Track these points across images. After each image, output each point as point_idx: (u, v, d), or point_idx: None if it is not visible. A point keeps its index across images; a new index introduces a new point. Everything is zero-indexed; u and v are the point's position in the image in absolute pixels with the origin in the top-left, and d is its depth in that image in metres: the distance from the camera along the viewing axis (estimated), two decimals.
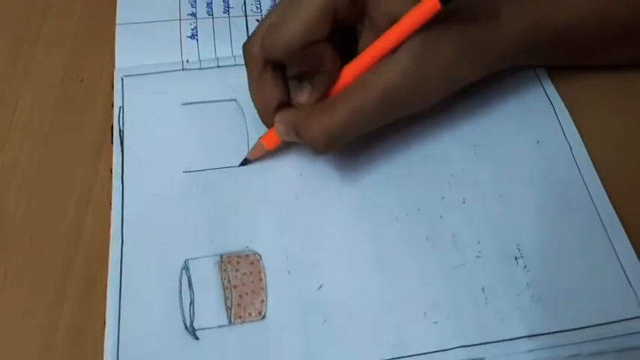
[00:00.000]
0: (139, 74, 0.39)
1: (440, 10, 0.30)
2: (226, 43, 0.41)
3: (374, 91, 0.32)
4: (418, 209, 0.35)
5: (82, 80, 0.40)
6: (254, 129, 0.37)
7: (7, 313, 0.32)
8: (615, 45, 0.38)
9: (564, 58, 0.39)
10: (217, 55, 0.41)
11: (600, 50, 0.38)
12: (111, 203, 0.35)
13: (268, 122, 0.35)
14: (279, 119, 0.34)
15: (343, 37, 0.34)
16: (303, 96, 0.34)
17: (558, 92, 0.39)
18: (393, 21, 0.31)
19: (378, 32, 0.32)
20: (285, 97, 0.34)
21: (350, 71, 0.33)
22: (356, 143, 0.36)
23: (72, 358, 0.31)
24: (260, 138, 0.36)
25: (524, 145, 0.37)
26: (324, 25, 0.31)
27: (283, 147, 0.36)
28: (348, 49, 0.34)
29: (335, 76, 0.33)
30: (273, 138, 0.35)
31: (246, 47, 0.34)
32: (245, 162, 0.36)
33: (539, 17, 0.35)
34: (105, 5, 0.43)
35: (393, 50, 0.32)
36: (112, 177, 0.35)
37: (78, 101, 0.39)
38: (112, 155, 0.36)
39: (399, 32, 0.31)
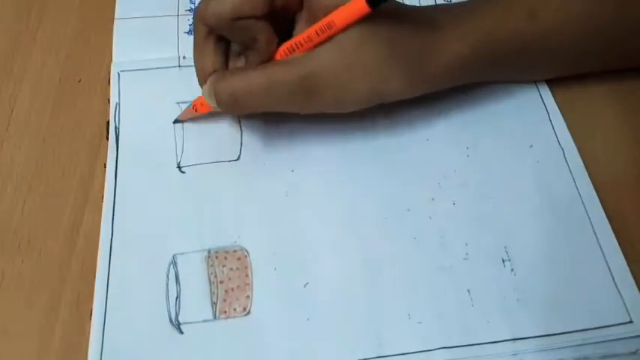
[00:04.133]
0: (135, 69, 0.40)
1: (369, 12, 0.30)
2: None
3: (295, 73, 0.32)
4: (408, 209, 0.35)
5: (79, 81, 0.40)
6: (248, 124, 0.38)
7: (4, 313, 0.32)
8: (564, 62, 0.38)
9: (513, 76, 0.39)
10: None
11: (543, 67, 0.38)
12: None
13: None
14: (208, 81, 0.34)
15: (287, 24, 0.34)
16: (236, 65, 0.34)
17: (553, 96, 0.39)
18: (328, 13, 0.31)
19: (314, 23, 0.32)
20: (221, 65, 0.34)
21: (281, 53, 0.33)
22: (349, 143, 0.37)
23: (69, 358, 0.31)
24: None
25: (517, 148, 0.37)
26: (258, 2, 0.31)
27: (276, 140, 0.37)
28: (289, 37, 0.34)
29: (269, 55, 0.33)
30: (203, 103, 0.36)
31: (195, 11, 0.34)
32: (177, 121, 0.37)
33: (481, 36, 0.34)
34: (104, 4, 0.43)
35: (323, 41, 0.32)
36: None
37: (75, 102, 0.39)
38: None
39: (326, 24, 0.31)
